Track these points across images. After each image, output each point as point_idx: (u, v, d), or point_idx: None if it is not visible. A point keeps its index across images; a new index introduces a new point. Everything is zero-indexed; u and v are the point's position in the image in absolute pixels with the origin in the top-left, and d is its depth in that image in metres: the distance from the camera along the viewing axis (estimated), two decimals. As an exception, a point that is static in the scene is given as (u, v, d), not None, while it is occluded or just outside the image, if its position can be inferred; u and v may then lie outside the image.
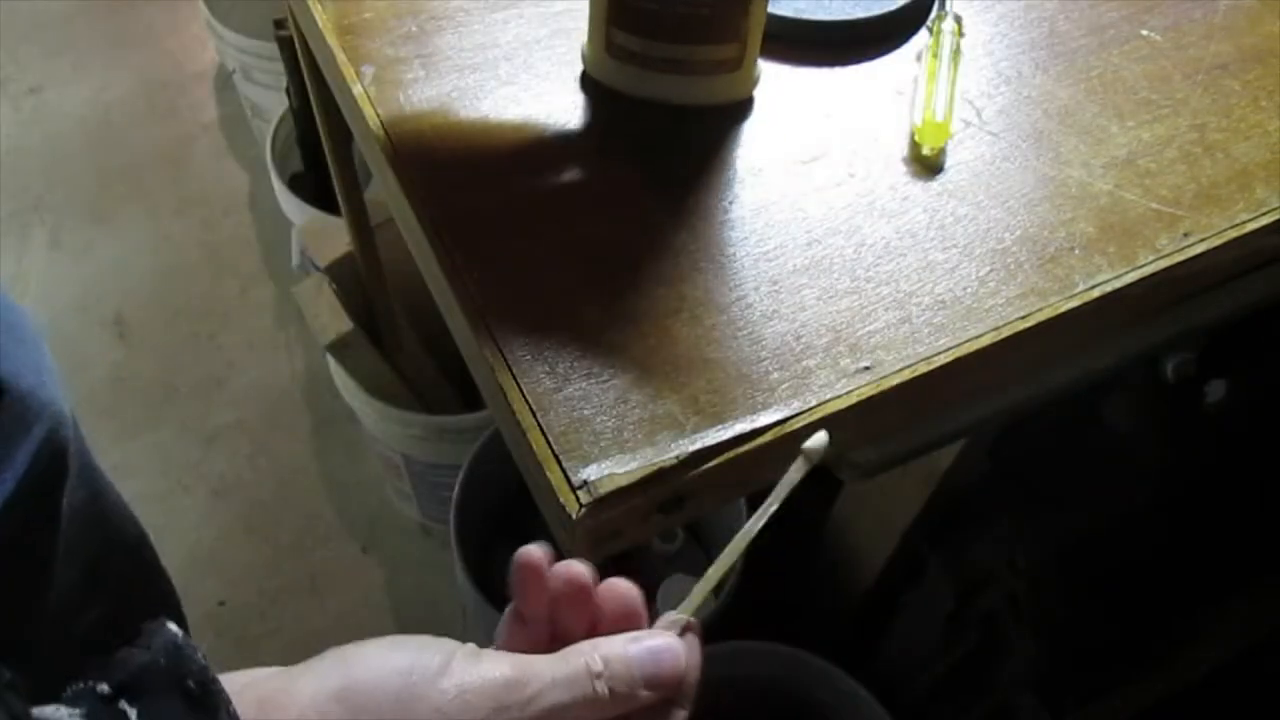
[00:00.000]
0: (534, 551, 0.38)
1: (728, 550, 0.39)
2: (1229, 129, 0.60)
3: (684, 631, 0.38)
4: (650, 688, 0.36)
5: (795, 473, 0.40)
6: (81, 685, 0.32)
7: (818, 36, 0.62)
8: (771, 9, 0.62)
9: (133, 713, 0.31)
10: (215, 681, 0.32)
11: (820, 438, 0.40)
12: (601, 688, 0.35)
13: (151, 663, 0.32)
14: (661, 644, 0.37)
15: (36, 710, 0.31)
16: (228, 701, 0.32)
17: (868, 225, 0.54)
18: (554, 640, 0.38)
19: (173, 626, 0.33)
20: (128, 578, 0.71)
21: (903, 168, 0.57)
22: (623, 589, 0.38)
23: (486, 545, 1.14)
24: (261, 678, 0.34)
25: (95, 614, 0.66)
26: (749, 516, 0.40)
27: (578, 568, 0.38)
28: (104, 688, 0.32)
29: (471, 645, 0.36)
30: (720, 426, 0.47)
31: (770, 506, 0.39)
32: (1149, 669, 0.89)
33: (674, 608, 0.39)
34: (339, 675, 0.34)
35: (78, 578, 0.63)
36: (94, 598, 0.65)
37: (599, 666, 0.36)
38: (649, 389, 0.48)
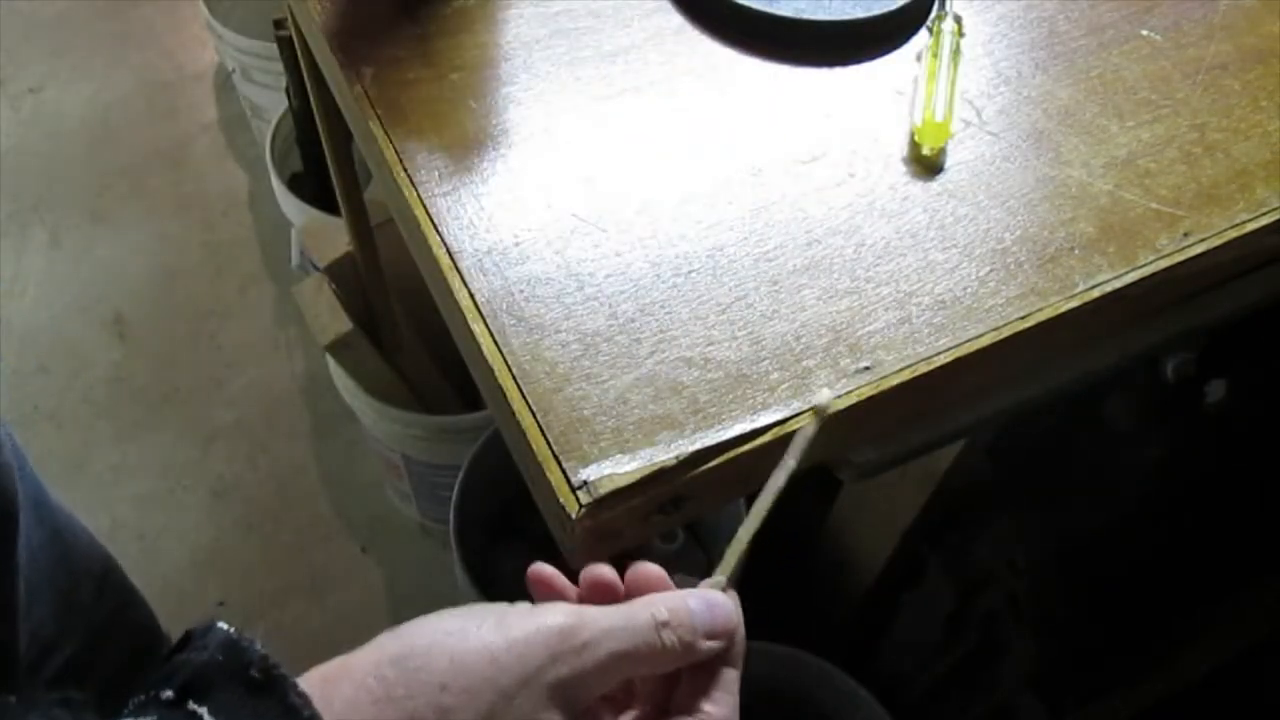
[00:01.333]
0: (543, 568, 0.39)
1: (754, 510, 0.40)
2: (1229, 129, 0.60)
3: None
4: (710, 637, 0.37)
5: (810, 428, 0.42)
6: (143, 696, 0.32)
7: (818, 36, 0.62)
8: (771, 9, 0.62)
9: (203, 710, 0.31)
10: (278, 666, 0.32)
11: (826, 393, 0.41)
12: (670, 637, 0.36)
13: (210, 660, 0.32)
14: (713, 595, 0.38)
15: None
16: (294, 684, 0.32)
17: (868, 225, 0.54)
18: None
19: (223, 625, 0.34)
20: (100, 609, 0.70)
21: (903, 168, 0.57)
22: (649, 570, 0.39)
23: (486, 545, 1.14)
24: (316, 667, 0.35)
25: (70, 650, 0.65)
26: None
27: (602, 569, 0.39)
28: (168, 693, 0.32)
29: (525, 603, 0.37)
30: (720, 426, 0.47)
31: (789, 462, 0.41)
32: (1149, 669, 0.89)
33: None
34: (395, 644, 0.34)
35: (48, 617, 0.62)
36: (67, 634, 0.65)
37: (664, 616, 0.36)
38: (649, 389, 0.48)
